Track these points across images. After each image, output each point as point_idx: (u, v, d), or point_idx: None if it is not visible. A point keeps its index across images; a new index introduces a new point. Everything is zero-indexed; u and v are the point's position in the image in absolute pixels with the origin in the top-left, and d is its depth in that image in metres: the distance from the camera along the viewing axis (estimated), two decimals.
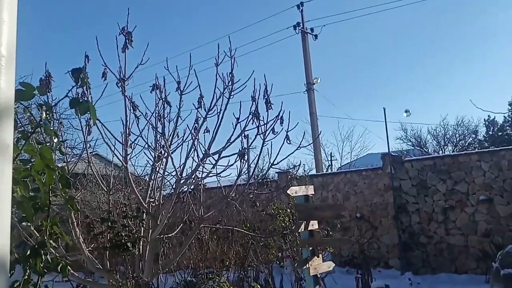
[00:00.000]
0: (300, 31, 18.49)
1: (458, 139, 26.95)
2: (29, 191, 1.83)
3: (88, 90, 4.64)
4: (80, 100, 1.93)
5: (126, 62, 4.68)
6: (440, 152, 25.68)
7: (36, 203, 1.93)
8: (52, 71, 4.45)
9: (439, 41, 42.52)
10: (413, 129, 28.27)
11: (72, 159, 6.09)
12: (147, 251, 5.27)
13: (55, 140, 2.02)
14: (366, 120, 52.77)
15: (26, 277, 1.94)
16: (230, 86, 4.80)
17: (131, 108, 4.87)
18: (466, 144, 26.58)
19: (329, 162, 30.36)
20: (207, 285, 6.06)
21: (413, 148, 27.25)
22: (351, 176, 12.13)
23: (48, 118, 1.98)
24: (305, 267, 5.11)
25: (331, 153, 30.97)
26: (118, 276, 5.10)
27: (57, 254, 4.55)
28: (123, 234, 5.16)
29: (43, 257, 1.95)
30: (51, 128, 1.97)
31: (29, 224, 3.52)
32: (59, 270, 2.11)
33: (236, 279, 7.94)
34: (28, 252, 1.95)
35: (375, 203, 11.43)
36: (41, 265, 1.96)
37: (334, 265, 5.75)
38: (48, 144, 2.10)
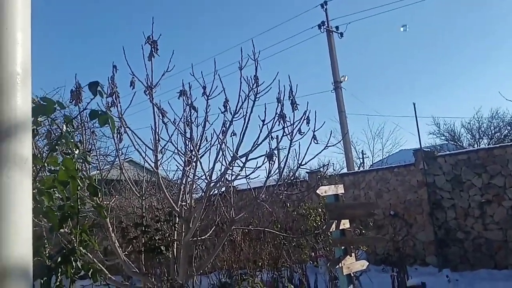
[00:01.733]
0: (325, 30, 18.40)
1: (493, 131, 26.21)
2: (52, 201, 1.91)
3: (117, 99, 4.79)
4: (99, 112, 2.00)
5: (153, 70, 4.80)
6: (475, 145, 25.04)
7: (65, 211, 2.02)
8: (83, 81, 4.61)
9: (471, 33, 41.52)
10: (446, 123, 27.73)
11: (106, 167, 6.26)
12: (181, 254, 5.37)
13: (77, 151, 2.10)
14: (397, 116, 52.00)
15: (58, 283, 2.03)
16: (255, 89, 4.84)
17: (160, 114, 4.99)
18: (502, 137, 25.80)
19: (361, 160, 30.07)
20: (241, 286, 6.12)
21: (446, 142, 26.65)
22: (382, 174, 11.98)
23: (69, 130, 2.06)
24: (338, 266, 5.10)
25: (362, 151, 30.67)
26: (153, 279, 5.22)
27: (94, 259, 4.69)
28: (157, 238, 5.28)
29: (73, 263, 2.03)
30: (72, 140, 2.05)
31: (67, 231, 3.65)
32: (90, 275, 2.19)
33: (270, 279, 7.97)
34: (59, 259, 2.03)
35: (409, 200, 11.26)
36: (72, 271, 2.04)
37: (368, 263, 5.72)
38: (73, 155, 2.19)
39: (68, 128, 2.04)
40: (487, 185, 10.13)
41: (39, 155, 2.71)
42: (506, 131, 26.03)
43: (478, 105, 43.33)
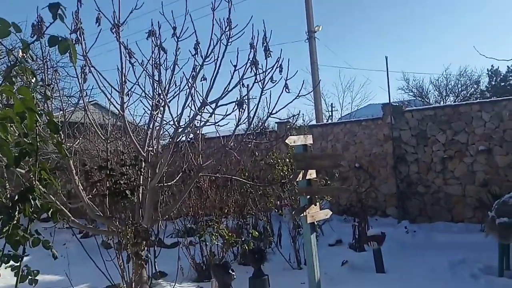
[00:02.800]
0: None
1: (460, 89, 26.76)
2: (8, 134, 1.78)
3: (82, 36, 4.54)
4: (60, 39, 1.83)
5: (120, 7, 4.55)
6: (442, 102, 25.54)
7: (23, 148, 1.90)
8: (47, 17, 4.33)
9: None
10: (415, 79, 28.04)
11: (70, 109, 6.05)
12: (147, 199, 5.33)
13: (33, 80, 1.96)
14: (368, 70, 52.25)
15: (14, 221, 1.94)
16: (228, 32, 4.68)
17: (127, 55, 4.78)
18: (468, 95, 26.39)
19: (330, 112, 30.34)
20: (207, 231, 6.17)
21: (414, 98, 27.09)
22: (350, 126, 12.09)
23: (25, 57, 1.90)
24: (302, 215, 5.17)
25: (331, 103, 30.93)
26: (118, 222, 5.18)
27: (57, 202, 4.59)
28: (122, 182, 5.20)
29: (31, 202, 1.94)
30: (29, 68, 1.89)
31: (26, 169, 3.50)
32: (50, 215, 2.10)
33: (235, 226, 8.08)
34: (16, 197, 1.94)
35: (374, 153, 11.46)
36: (30, 210, 1.95)
37: (331, 213, 5.83)
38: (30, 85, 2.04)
39: (24, 55, 1.87)
40: (450, 141, 10.38)
41: None
42: (473, 89, 26.59)
43: (447, 63, 43.88)
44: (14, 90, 1.79)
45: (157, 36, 4.83)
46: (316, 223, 5.48)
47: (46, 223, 3.67)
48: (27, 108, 1.75)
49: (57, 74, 5.65)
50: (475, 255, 7.25)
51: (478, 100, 12.33)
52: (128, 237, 4.62)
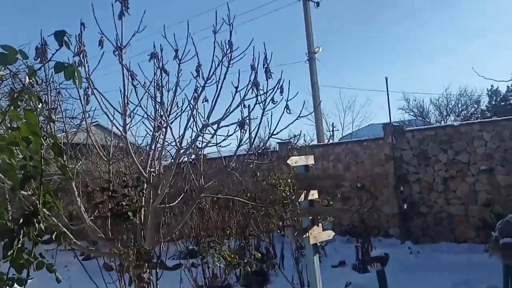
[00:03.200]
0: None
1: (460, 109, 26.85)
2: (13, 158, 1.80)
3: (85, 59, 4.60)
4: (66, 64, 1.87)
5: (123, 30, 4.61)
6: (443, 122, 25.59)
7: (28, 171, 1.92)
8: (51, 41, 4.38)
9: (444, 10, 41.85)
10: (416, 99, 28.14)
11: (72, 130, 6.08)
12: (149, 220, 5.31)
13: (40, 105, 1.99)
14: (368, 90, 52.53)
15: (19, 245, 1.94)
16: (229, 54, 4.72)
17: (129, 77, 4.82)
18: (469, 114, 26.46)
19: (331, 132, 30.40)
20: (209, 253, 6.13)
21: (415, 118, 27.16)
22: (352, 146, 12.11)
23: (32, 82, 1.93)
24: (305, 236, 5.15)
25: (332, 123, 31.00)
26: (120, 244, 5.15)
27: (59, 223, 4.59)
28: (124, 204, 5.19)
29: (36, 225, 1.94)
30: (35, 93, 1.93)
31: (29, 193, 3.51)
32: (53, 238, 2.11)
33: (237, 247, 8.03)
34: (21, 221, 1.94)
35: (376, 173, 11.45)
36: (35, 234, 1.96)
37: (334, 234, 5.80)
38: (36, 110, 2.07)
39: (31, 80, 1.91)
40: (452, 161, 10.38)
41: (0, 112, 2.57)
42: (473, 109, 26.67)
43: (447, 83, 44.11)
44: (20, 114, 1.82)
45: (159, 58, 4.88)
46: (319, 244, 5.45)
47: (48, 245, 3.66)
48: (32, 133, 1.78)
49: (60, 96, 5.69)
50: (479, 275, 7.18)
51: (478, 120, 12.36)
52: (130, 259, 4.60)
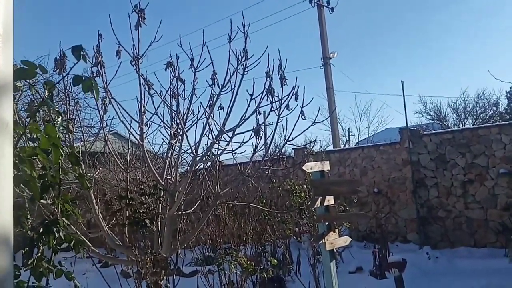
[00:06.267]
0: (316, 4, 18.15)
1: (478, 112, 26.46)
2: (34, 169, 1.85)
3: (103, 69, 4.67)
4: (83, 78, 1.92)
5: (140, 40, 4.68)
6: (460, 125, 25.27)
7: (46, 181, 1.96)
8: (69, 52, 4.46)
9: (460, 11, 41.46)
10: (433, 103, 27.84)
11: (90, 139, 6.17)
12: (165, 228, 5.35)
13: (59, 119, 2.03)
14: (384, 94, 52.15)
15: (39, 253, 1.99)
16: (244, 62, 4.76)
17: (146, 86, 4.88)
18: (487, 117, 26.07)
19: (347, 137, 30.24)
20: (225, 260, 6.14)
21: (432, 122, 26.86)
22: (368, 151, 12.04)
23: (52, 96, 1.98)
24: (321, 242, 5.13)
25: (348, 128, 30.83)
26: (137, 252, 5.19)
27: (77, 231, 4.65)
28: (141, 211, 5.24)
29: (55, 234, 1.98)
30: (55, 107, 1.98)
31: (49, 202, 3.57)
32: (72, 246, 2.15)
33: (253, 254, 8.03)
34: (41, 230, 1.99)
35: (393, 178, 11.36)
36: (54, 242, 2.00)
37: (350, 239, 5.76)
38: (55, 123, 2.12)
39: (50, 94, 1.96)
40: (470, 165, 10.25)
41: (20, 123, 2.63)
42: (491, 112, 26.27)
43: (465, 85, 43.63)
44: (40, 126, 1.87)
45: (175, 67, 4.94)
46: (335, 250, 5.42)
47: (66, 253, 3.72)
48: (52, 145, 1.82)
49: (79, 105, 5.79)
50: (499, 280, 7.07)
51: (497, 123, 12.19)
52: (147, 266, 4.63)
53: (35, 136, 2.05)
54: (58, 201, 2.20)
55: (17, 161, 1.92)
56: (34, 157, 1.99)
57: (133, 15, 4.55)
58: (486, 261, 8.94)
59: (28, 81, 2.27)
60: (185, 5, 46.81)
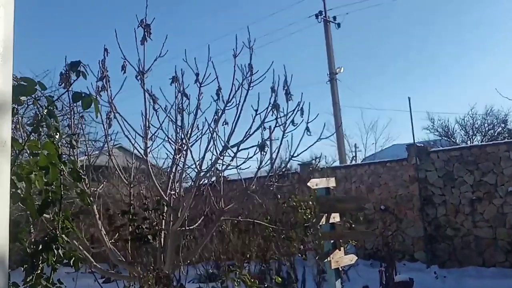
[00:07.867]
0: (322, 20, 18.24)
1: (487, 128, 26.24)
2: (31, 187, 1.82)
3: (108, 83, 4.67)
4: (83, 94, 1.89)
5: (145, 54, 4.68)
6: (468, 142, 25.07)
7: (47, 197, 1.93)
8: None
9: (465, 28, 41.53)
10: (440, 119, 27.61)
11: (95, 153, 6.14)
12: (168, 243, 5.28)
13: (57, 136, 2.00)
14: (391, 110, 52.10)
15: (38, 271, 1.94)
16: (249, 78, 4.74)
17: (151, 101, 4.87)
18: (496, 134, 25.83)
19: (353, 153, 30.13)
20: (229, 277, 6.04)
21: (440, 138, 26.65)
22: (374, 168, 11.94)
23: (51, 112, 1.95)
24: (326, 260, 5.04)
25: (355, 144, 30.74)
26: (139, 268, 5.13)
27: (80, 247, 4.60)
28: (144, 227, 5.19)
29: (55, 251, 1.94)
30: (53, 123, 1.95)
31: (50, 218, 3.54)
32: (71, 263, 2.10)
33: (258, 271, 7.93)
34: (40, 247, 1.95)
35: (400, 195, 11.24)
36: (54, 259, 1.96)
37: (356, 258, 5.66)
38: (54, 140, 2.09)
39: (50, 108, 1.93)
40: (478, 182, 10.12)
41: (25, 136, 2.61)
42: (500, 129, 26.06)
43: (473, 102, 43.45)
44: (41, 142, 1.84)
45: (180, 82, 4.93)
46: (341, 269, 5.33)
47: (69, 268, 3.67)
48: (50, 163, 1.79)
49: (83, 119, 5.77)
50: None
51: (505, 140, 12.07)
52: (149, 283, 4.56)
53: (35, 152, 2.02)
54: (58, 218, 2.16)
55: (14, 178, 1.89)
56: (34, 174, 1.96)
57: (139, 29, 4.56)
58: (495, 281, 8.76)
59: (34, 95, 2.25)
60: (191, 18, 47.27)
